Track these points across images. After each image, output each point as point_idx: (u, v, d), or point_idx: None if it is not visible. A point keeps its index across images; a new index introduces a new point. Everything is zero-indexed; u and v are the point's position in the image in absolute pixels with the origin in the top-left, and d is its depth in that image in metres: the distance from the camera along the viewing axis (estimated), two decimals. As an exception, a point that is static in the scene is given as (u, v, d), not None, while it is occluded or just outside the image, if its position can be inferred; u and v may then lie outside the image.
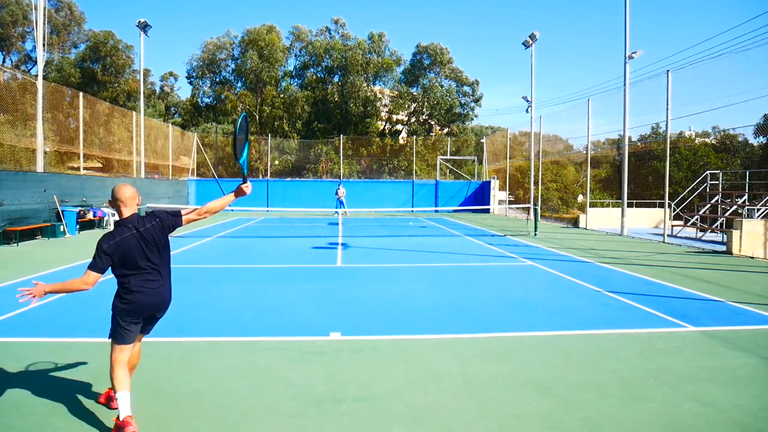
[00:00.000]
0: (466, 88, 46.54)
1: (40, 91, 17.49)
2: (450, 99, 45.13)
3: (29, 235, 14.98)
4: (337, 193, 28.24)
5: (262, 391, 4.22)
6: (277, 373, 4.58)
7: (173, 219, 3.71)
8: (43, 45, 18.58)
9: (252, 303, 7.35)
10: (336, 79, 45.32)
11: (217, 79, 46.00)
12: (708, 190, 21.74)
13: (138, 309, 3.55)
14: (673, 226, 19.97)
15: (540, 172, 28.02)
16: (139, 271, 3.54)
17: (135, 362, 3.83)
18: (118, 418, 3.37)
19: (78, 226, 16.93)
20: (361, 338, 5.70)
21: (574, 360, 5.02)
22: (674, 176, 30.44)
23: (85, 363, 4.80)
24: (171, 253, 3.79)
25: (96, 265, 3.41)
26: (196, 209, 3.81)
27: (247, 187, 3.82)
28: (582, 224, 22.40)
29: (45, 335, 5.70)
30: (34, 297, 3.29)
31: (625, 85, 19.31)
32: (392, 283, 8.93)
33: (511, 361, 4.97)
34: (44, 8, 18.71)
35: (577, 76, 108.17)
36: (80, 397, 4.05)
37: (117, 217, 3.60)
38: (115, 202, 3.55)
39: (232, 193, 3.86)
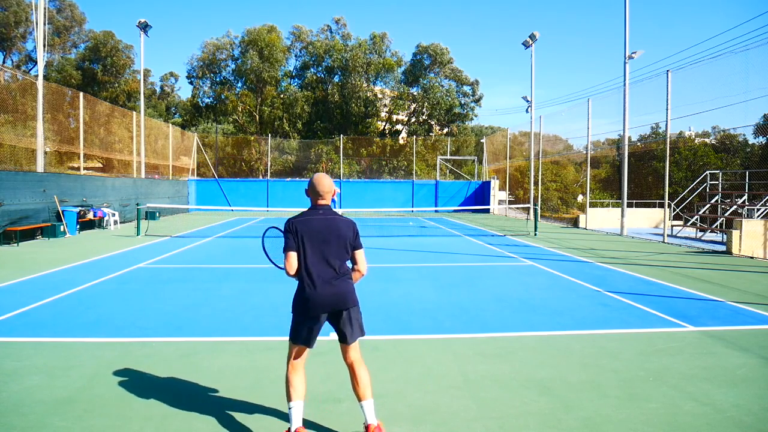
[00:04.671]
0: (466, 88, 46.54)
1: (40, 92, 17.50)
2: (450, 99, 45.13)
3: (29, 235, 14.99)
4: None
5: (262, 391, 4.22)
6: (277, 373, 4.58)
7: (356, 244, 3.50)
8: (44, 45, 18.59)
9: (252, 303, 7.35)
10: (336, 79, 45.32)
11: (218, 79, 46.00)
12: (708, 190, 21.75)
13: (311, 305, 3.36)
14: (672, 226, 19.98)
15: (540, 172, 28.01)
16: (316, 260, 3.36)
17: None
18: (289, 429, 3.31)
19: (78, 226, 16.93)
20: (361, 338, 5.69)
21: (574, 360, 5.02)
22: (674, 176, 30.44)
23: (84, 363, 4.80)
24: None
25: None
26: (359, 273, 3.55)
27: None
28: (582, 224, 22.40)
29: (45, 335, 5.69)
30: None
31: (625, 85, 19.31)
32: (392, 283, 8.92)
33: (511, 361, 4.97)
34: (44, 8, 18.71)
35: (577, 76, 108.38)
36: (80, 396, 4.05)
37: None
38: (314, 192, 3.46)
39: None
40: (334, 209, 3.54)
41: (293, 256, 3.36)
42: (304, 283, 3.36)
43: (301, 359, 3.45)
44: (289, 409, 3.33)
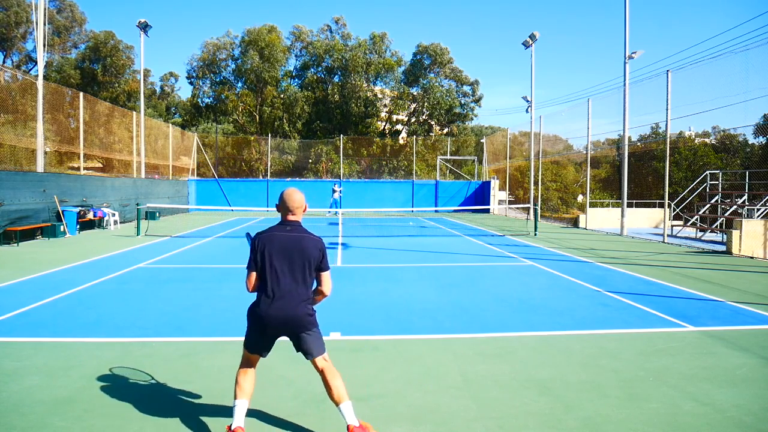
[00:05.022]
0: (466, 88, 46.51)
1: (40, 92, 17.50)
2: (450, 99, 45.11)
3: (29, 235, 14.98)
4: (333, 193, 29.14)
5: (262, 391, 4.21)
6: (277, 373, 4.58)
7: (322, 265, 3.41)
8: (44, 45, 18.59)
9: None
10: (336, 79, 45.32)
11: (218, 79, 45.97)
12: (708, 190, 21.75)
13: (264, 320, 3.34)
14: (673, 226, 19.97)
15: (540, 172, 28.01)
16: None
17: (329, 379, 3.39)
18: (230, 426, 3.32)
19: (78, 226, 16.93)
20: (361, 338, 5.70)
21: (574, 360, 5.02)
22: (674, 176, 30.45)
23: (84, 363, 4.80)
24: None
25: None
26: (322, 295, 3.49)
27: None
28: (582, 224, 22.40)
29: (45, 335, 5.69)
30: None
31: (625, 85, 19.31)
32: (392, 283, 8.92)
33: (511, 361, 4.97)
34: (44, 8, 18.71)
35: (577, 76, 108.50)
36: (80, 396, 4.05)
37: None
38: (284, 207, 3.41)
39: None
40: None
41: (254, 276, 3.37)
42: (260, 299, 3.33)
43: (253, 367, 3.48)
44: (233, 407, 3.34)
